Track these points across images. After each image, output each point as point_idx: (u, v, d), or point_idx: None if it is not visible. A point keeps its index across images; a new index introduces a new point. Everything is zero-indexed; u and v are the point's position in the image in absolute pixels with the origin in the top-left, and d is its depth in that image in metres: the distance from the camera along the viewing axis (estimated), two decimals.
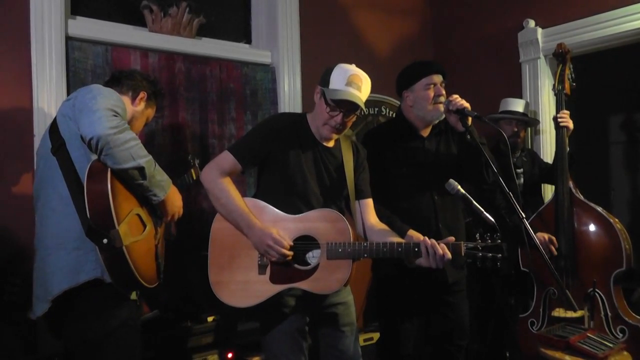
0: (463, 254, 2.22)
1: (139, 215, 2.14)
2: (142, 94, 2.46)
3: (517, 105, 3.71)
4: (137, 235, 2.08)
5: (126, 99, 2.39)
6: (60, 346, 2.73)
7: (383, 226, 2.52)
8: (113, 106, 2.05)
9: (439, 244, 2.22)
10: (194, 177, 2.81)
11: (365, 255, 2.31)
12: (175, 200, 2.31)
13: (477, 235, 2.25)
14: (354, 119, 2.45)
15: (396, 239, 2.36)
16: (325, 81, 2.40)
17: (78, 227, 2.01)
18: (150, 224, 2.22)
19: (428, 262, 2.23)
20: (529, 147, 3.97)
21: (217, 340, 3.00)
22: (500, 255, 2.19)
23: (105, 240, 1.94)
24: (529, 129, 3.94)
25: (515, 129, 3.64)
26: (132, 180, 2.06)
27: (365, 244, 2.32)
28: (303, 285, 2.31)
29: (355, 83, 2.36)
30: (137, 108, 2.45)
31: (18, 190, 2.76)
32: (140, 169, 2.04)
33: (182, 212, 2.39)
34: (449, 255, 2.20)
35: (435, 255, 2.20)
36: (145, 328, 2.81)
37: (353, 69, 2.41)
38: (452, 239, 2.26)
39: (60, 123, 2.14)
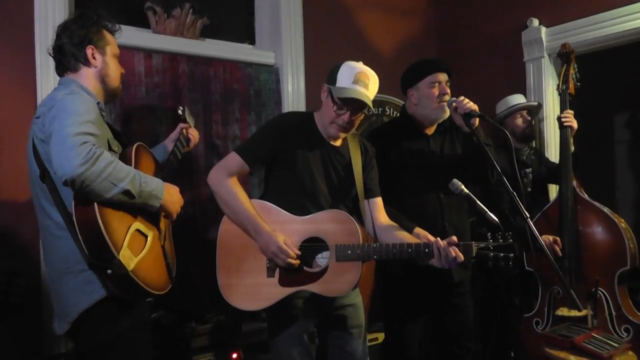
0: (474, 254, 2.21)
1: (138, 229, 2.03)
2: (89, 50, 2.14)
3: (520, 98, 3.72)
4: (140, 251, 2.00)
5: (84, 72, 2.15)
6: (65, 347, 2.75)
7: (394, 225, 2.49)
8: (80, 124, 1.86)
9: (450, 245, 2.20)
10: (185, 135, 2.60)
11: (375, 256, 2.30)
12: (173, 198, 2.17)
13: (489, 235, 2.23)
14: (362, 117, 2.43)
15: (406, 237, 2.34)
16: (332, 79, 2.38)
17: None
18: (152, 229, 2.13)
19: (440, 264, 2.22)
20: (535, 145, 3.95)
21: (221, 340, 3.00)
22: (512, 254, 2.17)
23: (109, 271, 1.87)
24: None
25: (529, 118, 3.64)
26: (121, 203, 1.93)
27: (374, 245, 2.30)
28: (312, 287, 2.30)
29: (362, 81, 2.33)
30: (98, 66, 2.17)
31: (21, 192, 2.77)
32: (126, 192, 1.90)
33: (182, 202, 2.26)
34: (460, 257, 2.18)
35: (447, 257, 2.19)
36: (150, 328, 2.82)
37: (360, 66, 2.38)
38: (454, 238, 2.23)
39: (39, 147, 1.99)
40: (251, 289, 2.33)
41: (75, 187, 1.80)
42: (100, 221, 1.85)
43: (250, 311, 2.35)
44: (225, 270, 2.36)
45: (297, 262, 2.27)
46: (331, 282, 2.30)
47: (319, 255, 2.36)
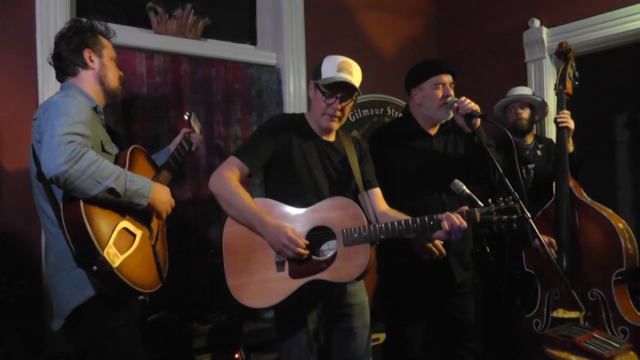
0: (479, 220, 2.23)
1: (125, 228, 2.07)
2: (87, 54, 2.25)
3: (522, 90, 3.69)
4: (126, 249, 2.03)
5: (83, 75, 2.24)
6: (67, 347, 2.75)
7: (395, 212, 2.50)
8: (70, 124, 1.93)
9: (454, 214, 2.23)
10: (188, 139, 2.70)
11: (382, 236, 2.29)
12: (162, 198, 2.21)
13: (490, 200, 2.26)
14: (352, 104, 2.48)
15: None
16: (317, 74, 2.46)
17: None
18: (142, 229, 2.16)
19: (446, 234, 2.23)
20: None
21: (222, 341, 3.01)
22: (515, 216, 2.20)
23: (94, 268, 1.91)
24: (538, 124, 3.88)
25: (520, 110, 3.58)
26: (107, 201, 1.98)
27: (380, 225, 2.30)
28: (323, 276, 2.29)
29: (345, 69, 2.40)
30: (96, 68, 2.27)
31: (23, 192, 2.77)
32: (110, 190, 1.94)
33: (173, 203, 2.30)
34: (464, 224, 2.22)
35: (453, 225, 2.21)
36: (151, 329, 2.82)
37: (341, 57, 2.46)
38: (465, 208, 2.27)
39: (35, 147, 2.07)
40: (262, 286, 2.31)
41: (60, 184, 1.88)
42: (85, 218, 1.91)
43: (263, 308, 2.35)
44: (233, 272, 2.34)
45: (307, 251, 2.27)
46: (341, 268, 2.29)
47: (326, 245, 2.36)
